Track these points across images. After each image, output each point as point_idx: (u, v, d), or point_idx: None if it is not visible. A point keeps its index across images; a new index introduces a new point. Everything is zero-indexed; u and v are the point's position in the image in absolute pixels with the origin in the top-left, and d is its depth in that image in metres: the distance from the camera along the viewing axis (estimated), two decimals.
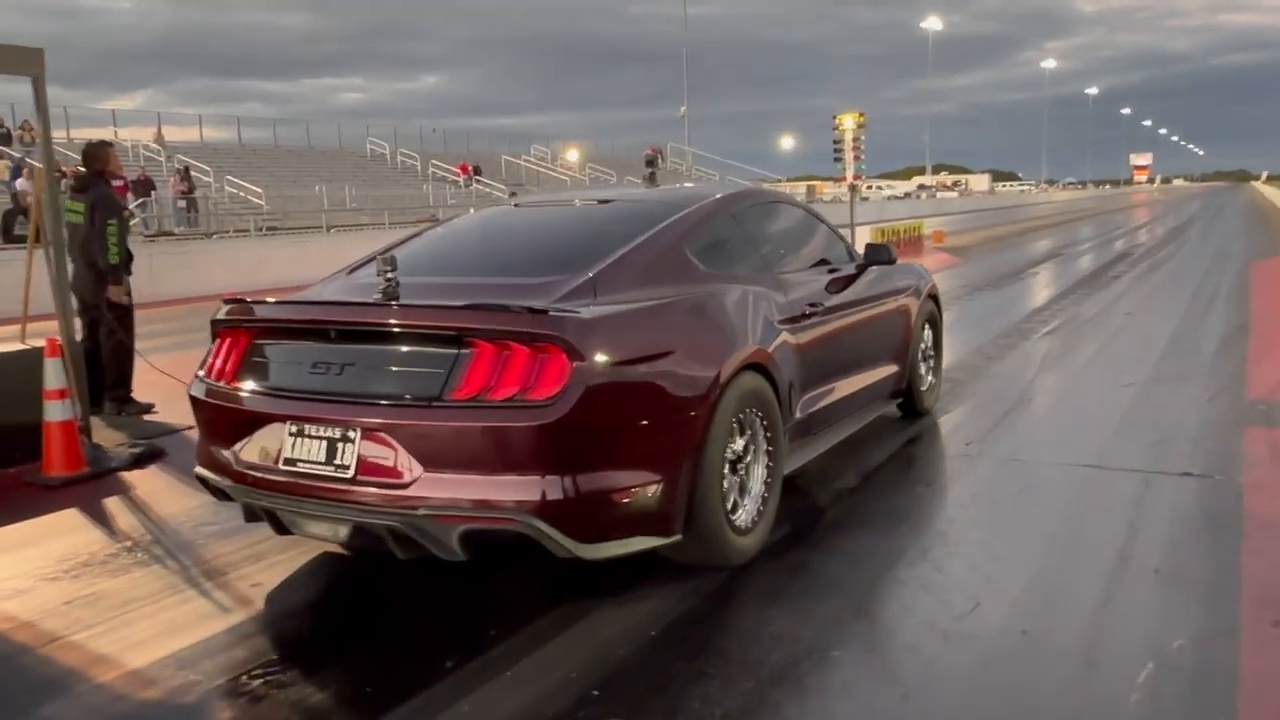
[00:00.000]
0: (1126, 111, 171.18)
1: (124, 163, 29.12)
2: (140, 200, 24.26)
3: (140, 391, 6.91)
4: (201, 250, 18.31)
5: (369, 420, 3.19)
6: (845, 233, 17.16)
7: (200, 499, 4.73)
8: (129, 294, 6.71)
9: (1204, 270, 15.61)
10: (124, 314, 6.66)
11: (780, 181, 56.59)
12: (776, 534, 3.96)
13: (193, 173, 27.40)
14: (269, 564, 3.89)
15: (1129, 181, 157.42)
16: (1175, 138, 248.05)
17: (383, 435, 3.16)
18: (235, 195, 29.28)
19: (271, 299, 3.72)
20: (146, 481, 5.19)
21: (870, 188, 71.27)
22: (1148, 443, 5.28)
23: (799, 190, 53.38)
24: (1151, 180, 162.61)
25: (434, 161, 39.23)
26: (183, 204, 25.35)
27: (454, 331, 3.19)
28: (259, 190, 28.99)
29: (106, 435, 6.01)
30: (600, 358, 3.17)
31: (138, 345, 6.86)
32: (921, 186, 76.56)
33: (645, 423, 3.31)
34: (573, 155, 49.18)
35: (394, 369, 3.29)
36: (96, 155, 6.59)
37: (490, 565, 3.75)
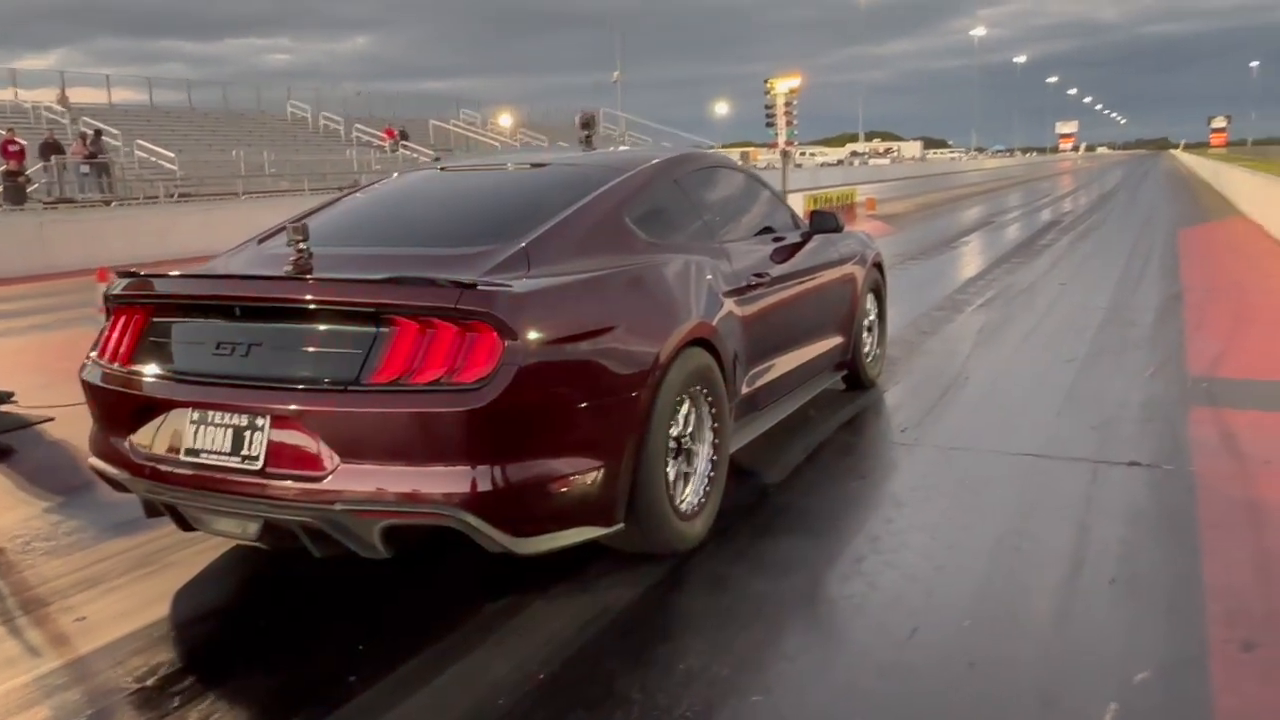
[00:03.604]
0: (1053, 80, 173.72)
1: (25, 125, 27.58)
2: (41, 164, 22.82)
3: (1, 376, 6.22)
4: (101, 218, 17.27)
5: (279, 407, 2.90)
6: None
7: (38, 508, 4.18)
8: None
9: (1134, 238, 15.57)
10: None
11: (715, 147, 56.19)
12: None
13: (103, 137, 25.85)
14: (104, 590, 3.34)
15: (1055, 149, 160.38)
16: (1099, 106, 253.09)
17: (294, 423, 2.88)
18: (146, 160, 27.81)
19: (173, 272, 3.34)
20: None
21: (804, 154, 71.30)
22: (1092, 425, 4.96)
23: (733, 156, 53.01)
24: (1076, 148, 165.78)
25: (358, 125, 37.88)
26: (85, 169, 23.90)
27: (372, 308, 2.89)
28: (171, 155, 27.59)
29: None
30: (534, 335, 2.90)
31: (13, 324, 6.15)
32: (855, 153, 76.81)
33: (584, 405, 3.05)
34: (505, 120, 48.05)
35: (306, 350, 2.97)
36: None
37: (339, 597, 3.26)
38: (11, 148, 21.47)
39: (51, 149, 23.52)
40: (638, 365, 3.22)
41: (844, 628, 2.96)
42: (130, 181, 25.30)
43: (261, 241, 3.87)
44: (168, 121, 34.01)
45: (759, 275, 4.29)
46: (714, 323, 3.72)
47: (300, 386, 2.89)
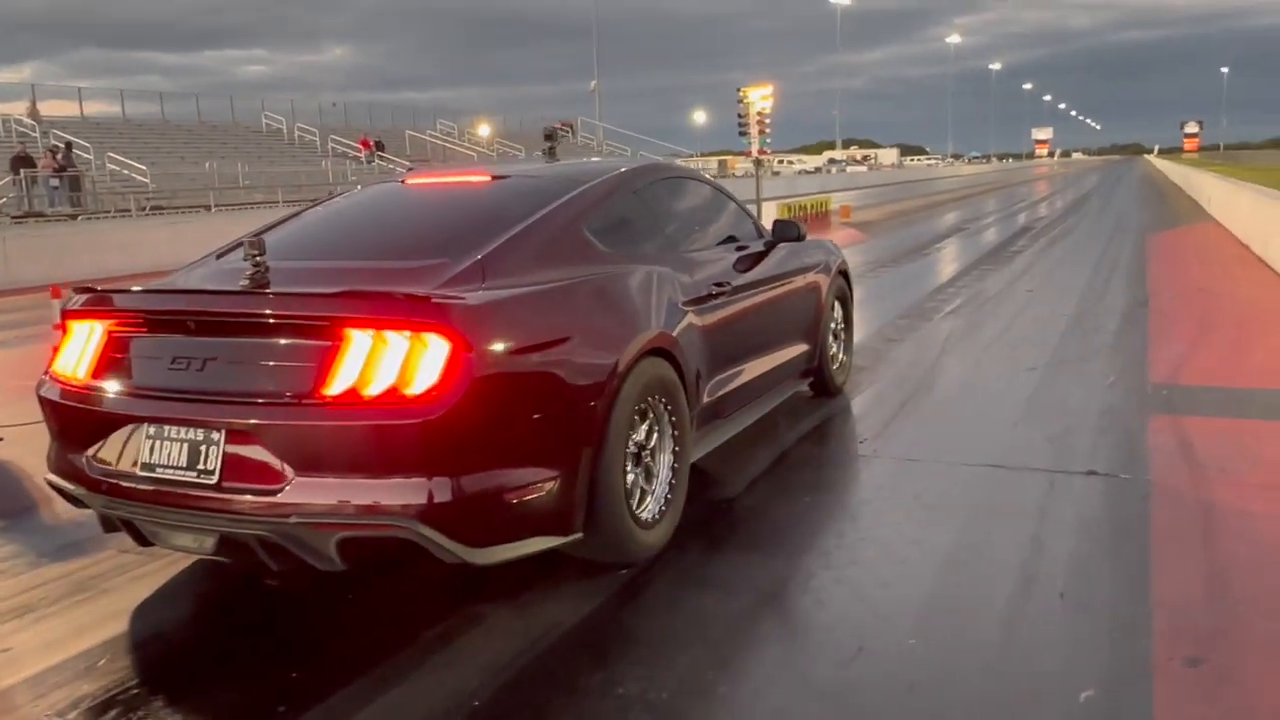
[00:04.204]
0: (1028, 87, 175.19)
1: None
2: (10, 178, 22.56)
3: None
4: (67, 233, 17.05)
5: (233, 421, 2.90)
6: (751, 208, 16.86)
7: None
8: None
9: (1104, 243, 15.66)
10: None
11: (693, 156, 56.31)
12: None
13: (73, 150, 25.52)
14: (35, 618, 3.25)
15: (1030, 155, 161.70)
16: (1074, 113, 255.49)
17: (249, 437, 2.87)
18: (117, 173, 27.56)
19: (131, 287, 3.33)
20: None
21: (782, 162, 71.59)
22: (1050, 435, 4.94)
23: (710, 165, 53.19)
24: (1052, 154, 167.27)
25: (333, 136, 37.73)
26: (55, 183, 23.63)
27: (326, 321, 2.90)
28: (143, 168, 27.36)
29: None
30: (488, 347, 2.91)
31: None
32: (832, 161, 77.14)
33: (539, 416, 3.07)
34: (483, 130, 48.01)
35: (260, 363, 2.96)
36: None
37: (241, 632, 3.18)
38: None
39: (21, 162, 23.27)
40: (595, 376, 3.23)
41: (787, 648, 2.91)
42: (101, 195, 25.05)
43: (220, 256, 3.86)
44: (140, 134, 33.76)
45: (720, 285, 4.29)
46: (673, 333, 3.73)
47: (255, 400, 2.89)
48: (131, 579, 3.54)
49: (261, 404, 2.88)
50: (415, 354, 2.83)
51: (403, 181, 4.57)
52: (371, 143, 36.93)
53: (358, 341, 2.85)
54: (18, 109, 31.86)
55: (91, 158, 27.21)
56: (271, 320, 2.97)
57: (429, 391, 2.80)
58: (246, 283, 3.12)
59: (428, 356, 2.83)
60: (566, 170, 4.45)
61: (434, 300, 2.92)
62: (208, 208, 24.00)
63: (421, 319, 2.86)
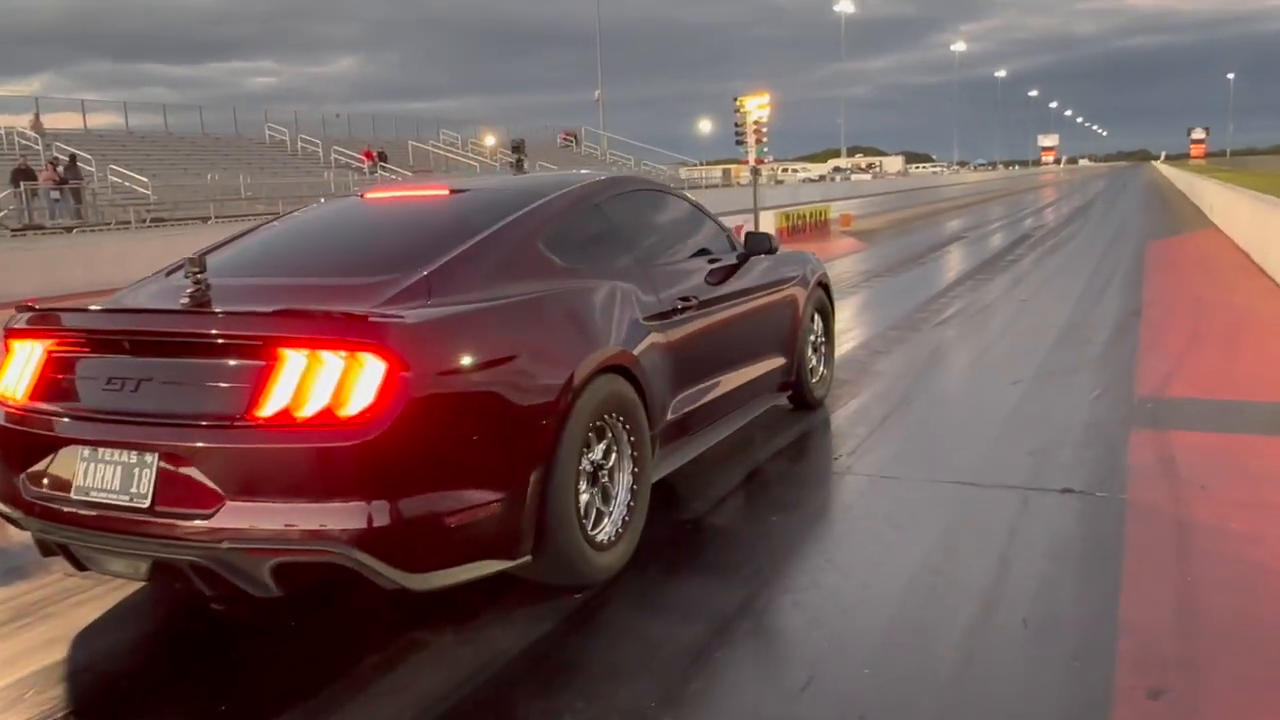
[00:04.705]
0: (1034, 93, 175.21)
1: None
2: (11, 190, 22.60)
3: None
4: (63, 245, 17.05)
5: (166, 443, 2.83)
6: (749, 218, 16.78)
7: None
8: None
9: (1103, 250, 15.54)
10: None
11: (697, 165, 56.27)
12: None
13: (77, 163, 25.55)
14: None
15: (1037, 162, 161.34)
16: (1080, 119, 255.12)
17: (181, 460, 2.80)
18: (119, 185, 27.62)
19: (72, 306, 3.28)
20: None
21: (786, 170, 71.53)
22: (1029, 451, 4.83)
23: (714, 173, 53.12)
24: (1058, 161, 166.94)
25: (337, 147, 37.77)
26: (56, 195, 23.68)
27: (259, 341, 2.83)
28: (145, 180, 27.41)
29: None
30: (427, 367, 2.84)
31: None
32: (837, 169, 77.07)
33: (483, 436, 2.98)
34: (488, 140, 48.07)
35: (194, 384, 2.90)
36: None
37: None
38: None
39: (22, 175, 23.34)
40: (543, 395, 3.15)
41: (736, 680, 2.80)
42: (103, 207, 25.08)
43: (170, 274, 3.78)
44: (143, 146, 33.85)
45: (687, 300, 4.20)
46: (634, 350, 3.65)
47: (187, 422, 2.82)
48: (74, 604, 3.46)
49: (194, 426, 2.81)
50: (350, 374, 2.75)
51: (361, 196, 4.51)
52: (374, 154, 36.96)
53: (292, 361, 2.78)
54: (22, 121, 31.98)
55: (94, 170, 27.27)
56: (204, 340, 2.91)
57: (364, 413, 2.72)
58: (186, 301, 3.05)
59: (363, 377, 2.75)
60: (526, 184, 4.37)
61: (370, 319, 2.84)
62: (207, 219, 23.99)
63: (357, 338, 2.78)
